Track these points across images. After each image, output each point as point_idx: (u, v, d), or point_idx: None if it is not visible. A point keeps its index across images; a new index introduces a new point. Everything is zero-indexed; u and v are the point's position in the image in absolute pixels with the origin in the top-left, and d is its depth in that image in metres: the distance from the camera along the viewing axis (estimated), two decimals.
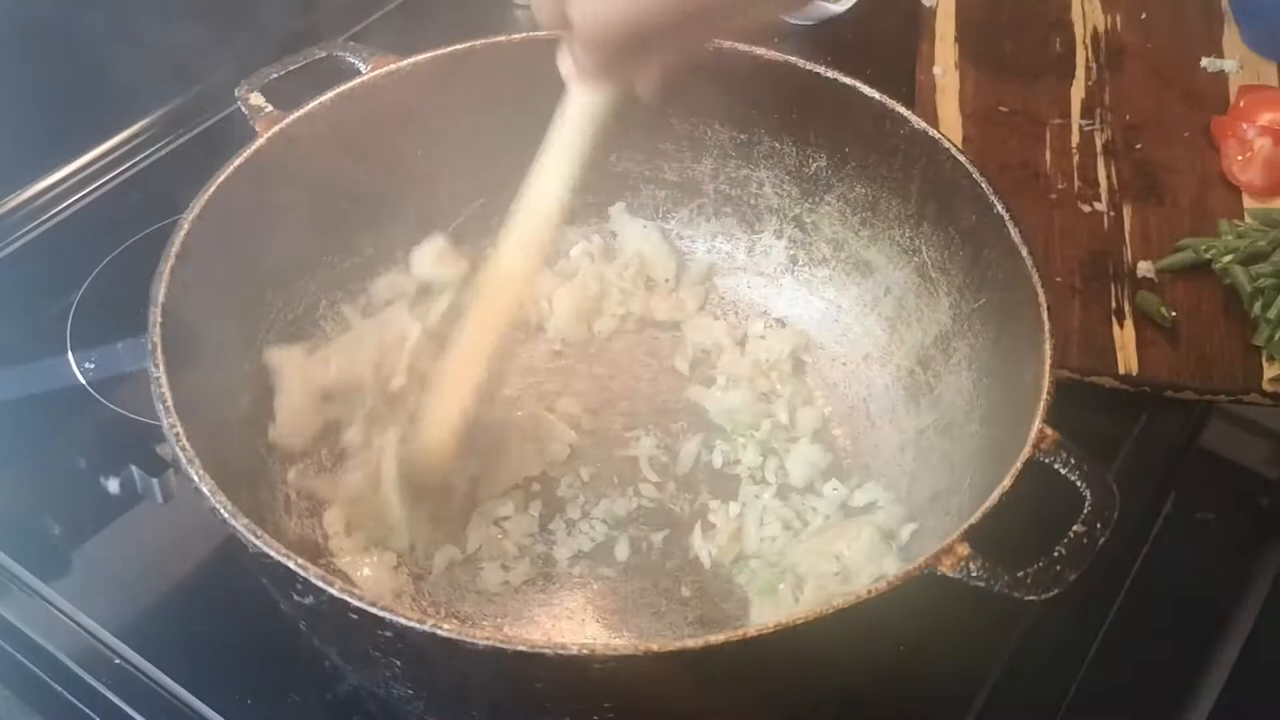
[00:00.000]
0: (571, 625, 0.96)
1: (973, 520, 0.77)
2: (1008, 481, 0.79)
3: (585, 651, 0.71)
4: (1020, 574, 0.75)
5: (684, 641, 0.72)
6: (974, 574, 0.75)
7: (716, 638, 0.72)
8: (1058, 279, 1.13)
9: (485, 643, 0.72)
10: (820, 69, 1.05)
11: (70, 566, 1.02)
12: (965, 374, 1.00)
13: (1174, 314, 1.14)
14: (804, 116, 1.08)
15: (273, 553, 0.75)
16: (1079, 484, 0.79)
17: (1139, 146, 1.31)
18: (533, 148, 1.13)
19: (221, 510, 0.77)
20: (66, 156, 1.33)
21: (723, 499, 1.03)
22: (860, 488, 1.04)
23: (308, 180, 1.03)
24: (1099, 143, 1.31)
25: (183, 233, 0.93)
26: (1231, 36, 1.43)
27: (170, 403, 0.83)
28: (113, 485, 1.06)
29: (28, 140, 1.29)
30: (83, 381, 1.13)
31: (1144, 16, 1.47)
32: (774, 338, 1.13)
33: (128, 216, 1.26)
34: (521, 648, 0.72)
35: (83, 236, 1.27)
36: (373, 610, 0.72)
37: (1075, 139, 1.32)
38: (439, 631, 0.72)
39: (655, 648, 0.72)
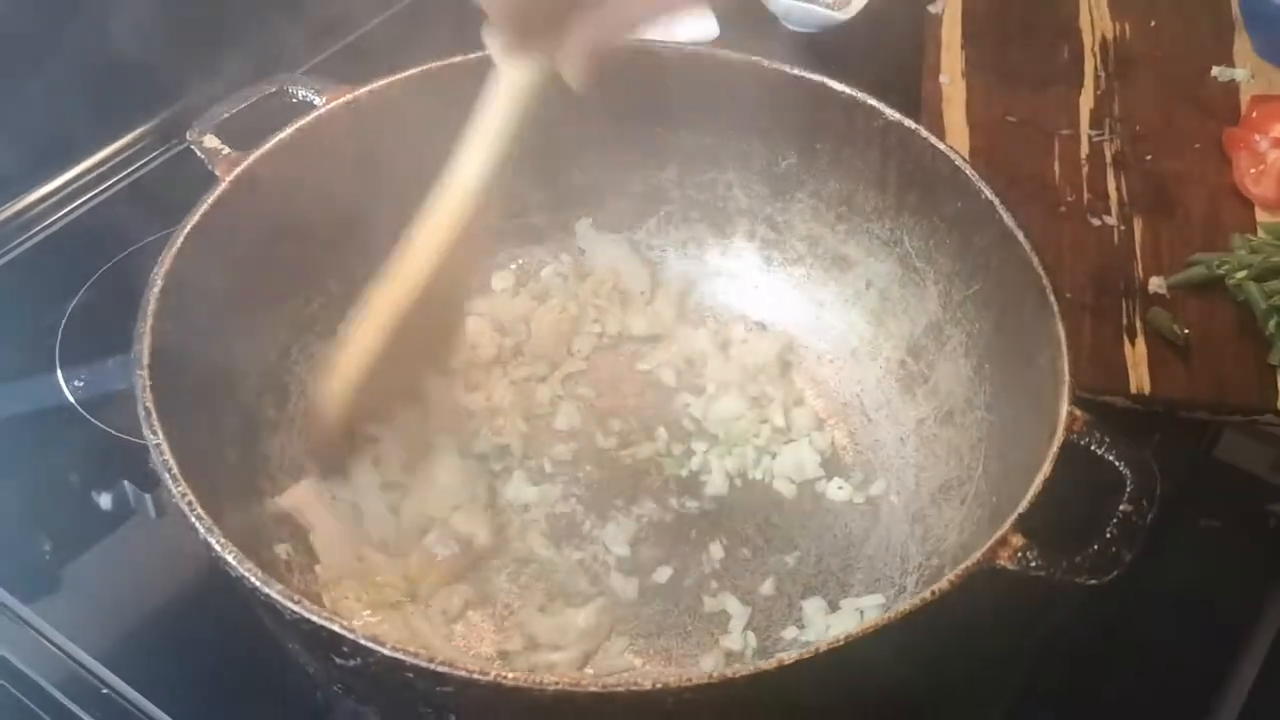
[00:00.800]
0: (599, 656, 0.94)
1: (1021, 510, 0.77)
2: (1048, 468, 0.79)
3: (659, 686, 0.69)
4: (1078, 559, 0.75)
5: (758, 665, 0.70)
6: (1032, 564, 0.75)
7: (789, 656, 0.70)
8: (1068, 294, 1.08)
9: (555, 688, 0.69)
10: (785, 66, 1.04)
11: (55, 591, 0.99)
12: (963, 361, 1.00)
13: (1186, 332, 1.11)
14: (772, 115, 1.07)
15: (314, 617, 0.71)
16: (1118, 464, 0.80)
17: (1149, 158, 1.28)
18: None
19: (251, 579, 0.73)
20: (56, 170, 1.30)
21: (732, 508, 1.01)
22: (865, 484, 1.03)
23: (272, 221, 0.99)
24: (1108, 154, 1.28)
25: (156, 289, 0.88)
26: (1243, 45, 1.40)
27: (177, 469, 0.78)
28: (100, 507, 1.04)
29: (16, 153, 1.25)
30: (71, 400, 1.10)
31: (1153, 24, 1.43)
32: (756, 340, 1.12)
33: (118, 231, 1.22)
34: (593, 689, 0.69)
35: (72, 251, 1.24)
36: (432, 667, 0.69)
37: (1084, 150, 1.29)
38: (504, 681, 0.69)
39: (730, 674, 0.70)
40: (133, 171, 1.32)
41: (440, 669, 0.69)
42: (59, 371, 1.12)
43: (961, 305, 1.00)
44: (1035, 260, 0.90)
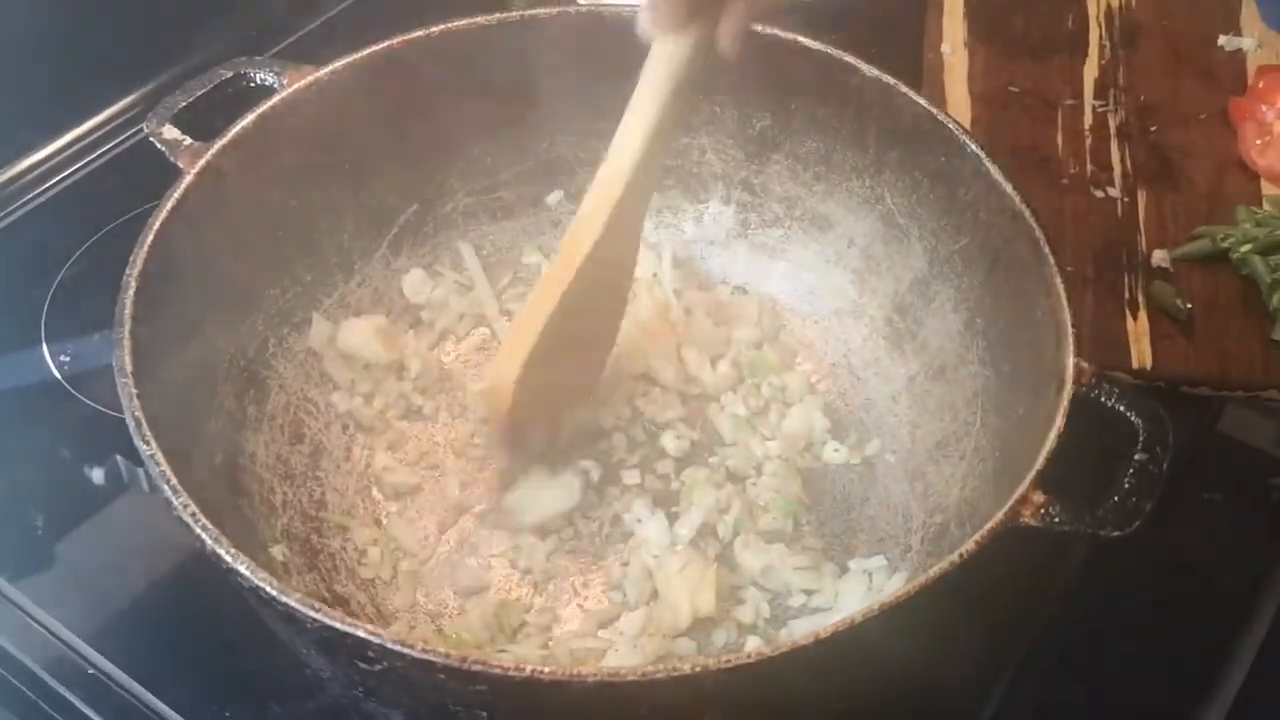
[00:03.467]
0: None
1: (1039, 466, 0.76)
2: (1060, 421, 0.78)
3: (699, 669, 0.68)
4: (1099, 512, 0.75)
5: (795, 642, 0.70)
6: (1057, 519, 0.75)
7: (826, 630, 0.70)
8: (1069, 268, 1.01)
9: (594, 679, 0.68)
10: (756, 26, 1.02)
11: (40, 570, 0.98)
12: (952, 316, 1.00)
13: (1190, 306, 1.09)
14: (743, 77, 1.05)
15: (338, 624, 0.69)
16: (1129, 414, 0.80)
17: (1154, 129, 1.26)
18: (464, 144, 1.09)
19: (268, 589, 0.71)
20: (41, 140, 1.27)
21: (739, 476, 1.01)
22: (860, 444, 1.03)
23: (240, 212, 0.96)
24: (1112, 125, 1.26)
25: (131, 291, 0.85)
26: (1250, 13, 1.37)
27: (176, 481, 0.75)
28: (86, 486, 1.02)
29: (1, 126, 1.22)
30: (58, 376, 1.08)
31: None
32: (739, 306, 1.10)
33: (106, 202, 1.20)
34: (633, 678, 0.68)
35: (59, 223, 1.21)
36: (465, 667, 0.68)
37: (1088, 121, 1.26)
38: (542, 677, 0.67)
39: (769, 652, 0.69)
40: (121, 141, 1.28)
41: (474, 668, 0.68)
42: (45, 347, 1.10)
43: (949, 260, 1.00)
44: (1027, 212, 0.90)
